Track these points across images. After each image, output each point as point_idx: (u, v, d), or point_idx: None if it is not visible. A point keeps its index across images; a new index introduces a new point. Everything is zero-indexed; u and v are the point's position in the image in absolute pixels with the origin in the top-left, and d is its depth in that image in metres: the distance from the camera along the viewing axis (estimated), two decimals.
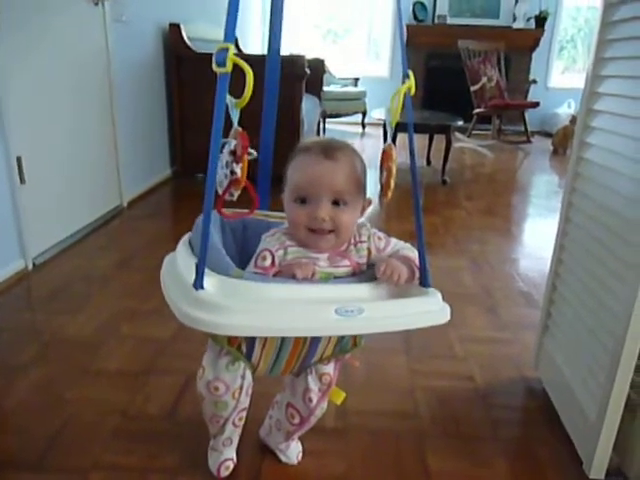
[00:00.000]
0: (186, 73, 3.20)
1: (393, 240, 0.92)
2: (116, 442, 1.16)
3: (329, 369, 0.96)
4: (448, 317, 0.82)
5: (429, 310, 0.82)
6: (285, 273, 0.82)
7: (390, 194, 0.90)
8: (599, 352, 1.08)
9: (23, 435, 1.18)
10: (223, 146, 0.77)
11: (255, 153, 0.82)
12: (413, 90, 0.84)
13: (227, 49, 0.66)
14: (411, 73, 0.84)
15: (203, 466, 1.09)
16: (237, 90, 0.72)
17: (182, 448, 1.14)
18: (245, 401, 0.95)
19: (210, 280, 0.76)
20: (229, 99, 0.72)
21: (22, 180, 1.95)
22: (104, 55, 2.59)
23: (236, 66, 0.68)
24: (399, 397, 1.35)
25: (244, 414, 0.98)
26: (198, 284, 0.74)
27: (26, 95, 1.99)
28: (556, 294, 1.34)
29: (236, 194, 0.81)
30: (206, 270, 0.76)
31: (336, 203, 0.83)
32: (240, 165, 0.77)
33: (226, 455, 1.07)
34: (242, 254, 0.96)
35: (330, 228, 0.84)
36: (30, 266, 2.02)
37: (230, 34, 0.68)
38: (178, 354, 1.48)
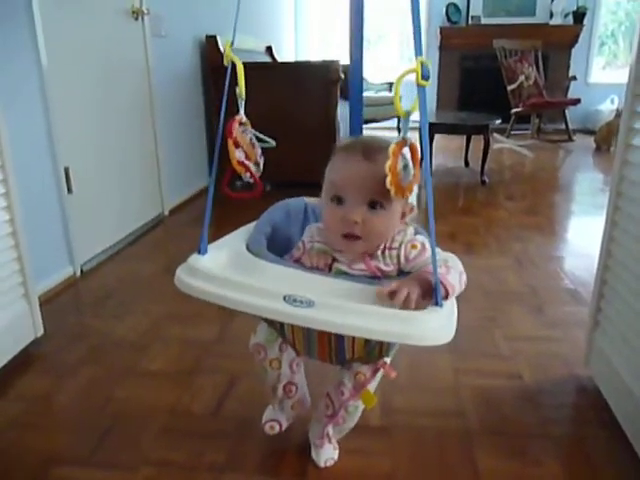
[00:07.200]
0: (223, 83, 3.25)
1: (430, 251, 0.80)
2: (164, 439, 1.18)
3: (364, 369, 0.94)
4: (431, 341, 0.68)
5: (402, 326, 0.68)
6: (303, 261, 0.88)
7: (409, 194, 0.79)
8: None
9: (74, 432, 1.21)
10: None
11: (273, 142, 0.92)
12: (419, 77, 0.66)
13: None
14: (421, 58, 0.66)
15: (248, 464, 1.11)
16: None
17: (228, 446, 1.15)
18: (289, 374, 1.00)
19: (225, 249, 0.87)
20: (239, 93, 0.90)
21: (69, 190, 2.02)
22: (144, 68, 2.67)
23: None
24: (445, 396, 1.33)
25: (293, 387, 1.03)
26: (201, 249, 0.85)
27: (72, 109, 2.07)
28: (606, 288, 1.29)
29: (246, 178, 0.90)
30: (235, 243, 0.88)
31: (373, 206, 0.81)
32: (239, 149, 0.88)
33: (275, 416, 1.11)
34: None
35: (359, 233, 0.81)
36: (78, 273, 2.08)
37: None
38: (222, 355, 1.50)
